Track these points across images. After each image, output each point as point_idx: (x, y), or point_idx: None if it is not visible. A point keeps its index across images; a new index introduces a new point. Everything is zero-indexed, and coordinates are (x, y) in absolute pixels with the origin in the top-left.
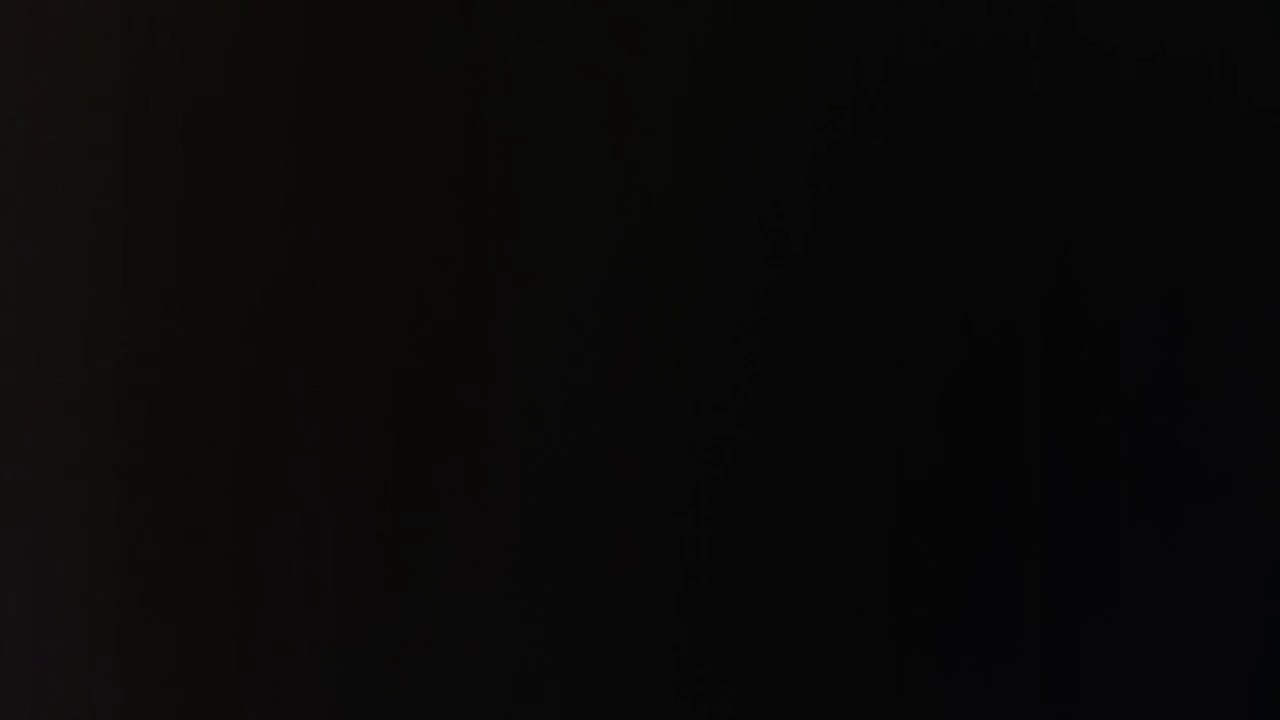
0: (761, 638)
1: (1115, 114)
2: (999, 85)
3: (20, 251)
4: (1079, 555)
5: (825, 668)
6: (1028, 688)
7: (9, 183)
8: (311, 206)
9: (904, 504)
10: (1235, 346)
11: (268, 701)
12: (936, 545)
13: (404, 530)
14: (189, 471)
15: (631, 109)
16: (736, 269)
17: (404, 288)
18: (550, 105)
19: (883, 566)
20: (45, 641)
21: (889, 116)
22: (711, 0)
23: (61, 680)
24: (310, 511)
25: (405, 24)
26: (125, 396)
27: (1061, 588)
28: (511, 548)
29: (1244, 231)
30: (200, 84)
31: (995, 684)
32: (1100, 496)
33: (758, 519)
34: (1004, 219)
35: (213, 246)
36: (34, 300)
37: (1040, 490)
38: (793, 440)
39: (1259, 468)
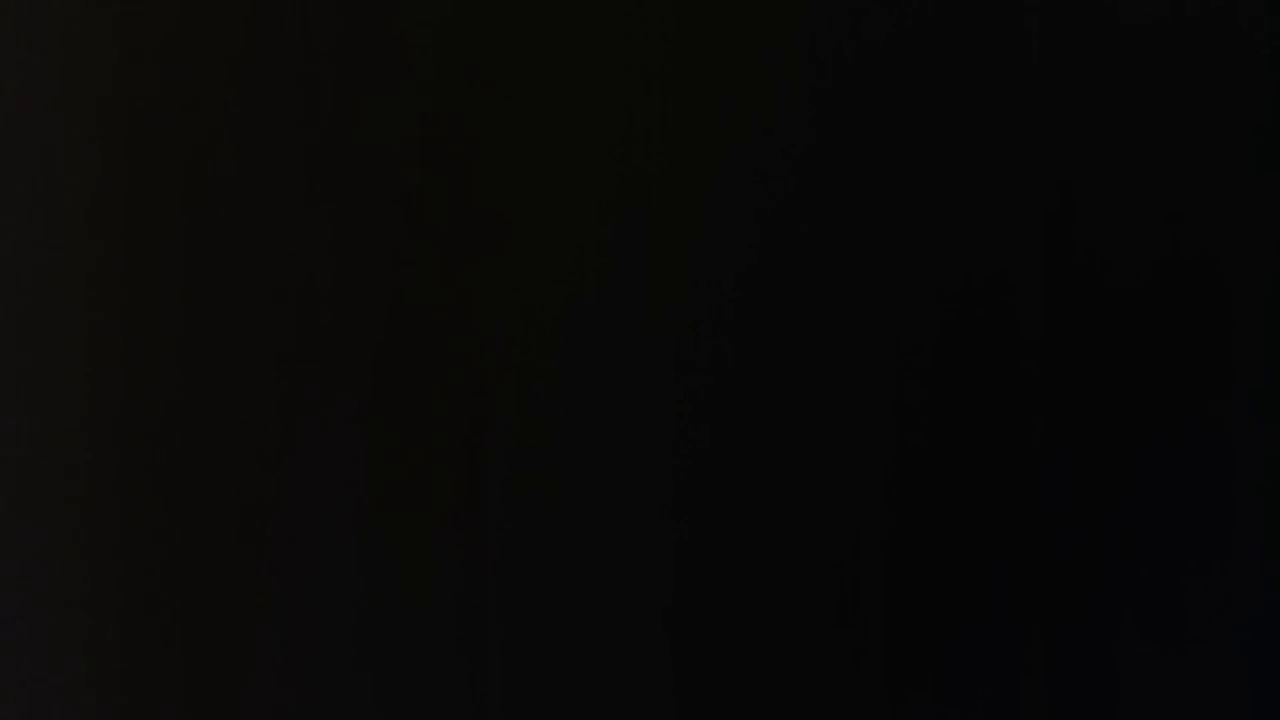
0: (760, 636)
1: (1118, 64)
2: (996, 43)
3: (18, 251)
4: (1078, 553)
5: (824, 669)
6: (1024, 691)
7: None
8: (311, 207)
9: (903, 502)
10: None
11: (266, 701)
12: (934, 536)
13: (402, 531)
14: (186, 475)
15: (622, 108)
16: (731, 228)
17: (402, 288)
18: (546, 105)
19: (879, 562)
20: (45, 643)
21: (887, 57)
22: None
23: (61, 680)
24: (310, 512)
25: (404, 24)
26: (125, 397)
27: (1061, 586)
28: (508, 549)
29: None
30: (198, 83)
31: (991, 688)
32: (1100, 491)
33: (755, 519)
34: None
35: (211, 248)
36: (32, 300)
37: (1040, 486)
38: (786, 434)
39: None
